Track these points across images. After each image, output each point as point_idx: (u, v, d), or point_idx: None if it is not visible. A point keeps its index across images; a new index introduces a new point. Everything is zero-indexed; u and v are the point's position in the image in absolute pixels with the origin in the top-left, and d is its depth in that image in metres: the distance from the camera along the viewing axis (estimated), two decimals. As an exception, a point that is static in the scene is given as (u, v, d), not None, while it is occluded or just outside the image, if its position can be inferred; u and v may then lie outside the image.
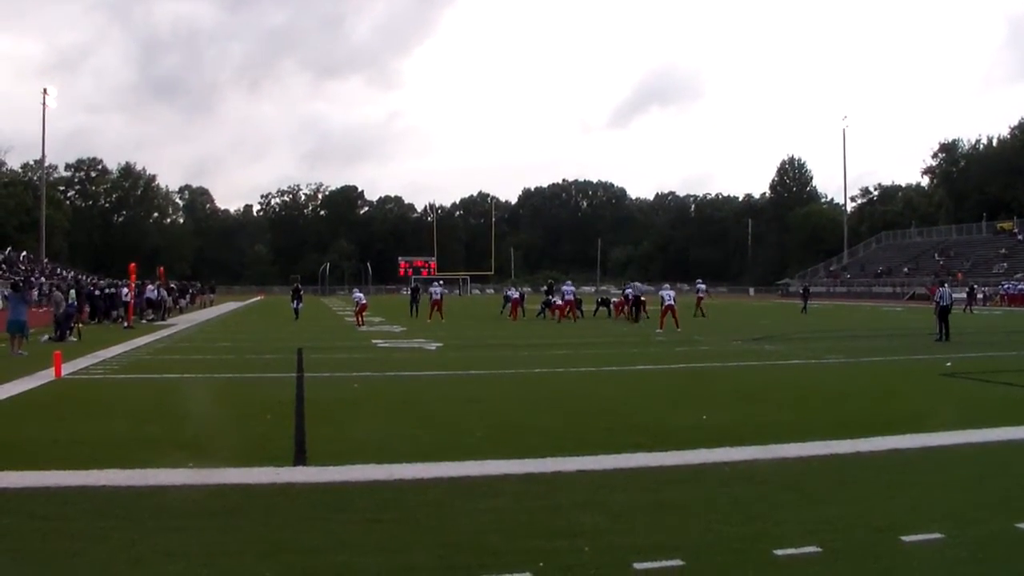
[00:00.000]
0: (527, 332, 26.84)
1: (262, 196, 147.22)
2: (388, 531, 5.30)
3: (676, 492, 6.35)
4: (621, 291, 35.81)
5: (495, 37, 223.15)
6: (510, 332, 27.03)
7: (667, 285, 33.12)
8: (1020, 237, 72.37)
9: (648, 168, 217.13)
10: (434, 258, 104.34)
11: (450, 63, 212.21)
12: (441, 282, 38.83)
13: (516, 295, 36.56)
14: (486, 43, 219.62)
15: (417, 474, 6.81)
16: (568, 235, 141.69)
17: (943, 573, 4.67)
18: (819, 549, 4.86)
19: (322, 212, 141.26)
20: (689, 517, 5.62)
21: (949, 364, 15.47)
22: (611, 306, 36.96)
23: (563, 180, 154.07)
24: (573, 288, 35.53)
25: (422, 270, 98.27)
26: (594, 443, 8.07)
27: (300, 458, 7.48)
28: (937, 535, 5.13)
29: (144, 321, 31.51)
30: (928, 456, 7.63)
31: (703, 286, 38.48)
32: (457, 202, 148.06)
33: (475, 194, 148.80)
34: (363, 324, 30.16)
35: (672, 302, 26.85)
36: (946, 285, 24.64)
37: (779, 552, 4.81)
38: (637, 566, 4.59)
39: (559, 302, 33.66)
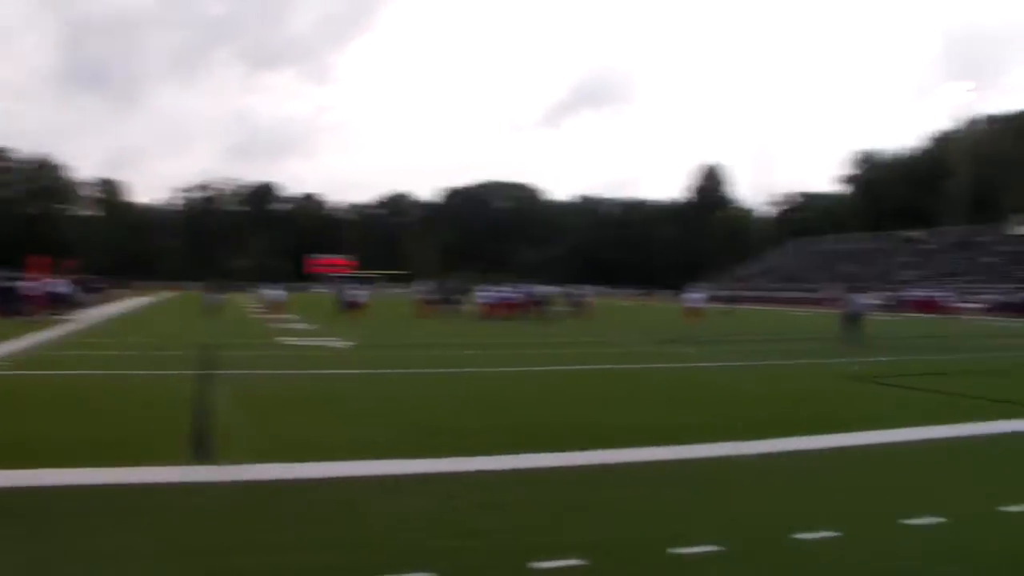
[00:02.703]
0: (443, 332, 26.76)
1: (181, 190, 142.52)
2: (296, 531, 5.20)
3: (579, 492, 6.37)
4: (533, 292, 36.27)
5: (432, 34, 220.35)
6: (425, 332, 26.88)
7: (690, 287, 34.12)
8: (926, 246, 75.64)
9: (573, 170, 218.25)
10: (353, 256, 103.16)
11: (384, 59, 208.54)
12: (356, 282, 38.69)
13: (432, 293, 36.56)
14: (423, 40, 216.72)
15: (326, 473, 6.73)
16: (487, 235, 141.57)
17: (840, 571, 4.78)
18: (721, 548, 4.92)
19: (241, 208, 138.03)
20: (591, 517, 5.65)
21: (856, 368, 16.04)
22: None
23: (485, 180, 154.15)
24: (500, 290, 35.78)
25: (341, 268, 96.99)
26: (501, 443, 8.02)
27: (205, 457, 7.32)
28: (834, 533, 5.26)
29: (50, 316, 30.32)
30: (832, 456, 7.83)
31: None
32: (378, 200, 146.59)
33: (396, 192, 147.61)
34: (277, 321, 29.64)
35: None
36: (852, 291, 25.63)
37: (678, 551, 4.86)
38: (536, 565, 4.58)
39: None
